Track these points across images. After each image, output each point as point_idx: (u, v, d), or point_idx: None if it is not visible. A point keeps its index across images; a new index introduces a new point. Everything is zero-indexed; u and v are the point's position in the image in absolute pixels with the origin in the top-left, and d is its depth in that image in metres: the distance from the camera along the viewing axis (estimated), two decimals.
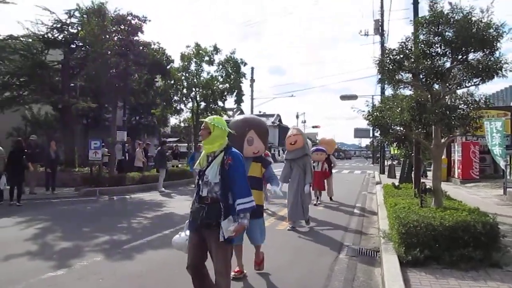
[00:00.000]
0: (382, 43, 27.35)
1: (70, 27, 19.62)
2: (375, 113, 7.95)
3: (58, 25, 19.56)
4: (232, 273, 5.32)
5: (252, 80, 34.91)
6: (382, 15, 28.30)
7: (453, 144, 21.68)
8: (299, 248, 7.24)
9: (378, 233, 7.78)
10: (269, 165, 5.85)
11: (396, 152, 16.21)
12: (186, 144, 27.62)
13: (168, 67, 17.73)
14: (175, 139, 35.18)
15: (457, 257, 5.48)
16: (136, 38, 16.15)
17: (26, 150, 13.07)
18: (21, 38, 17.36)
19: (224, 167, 3.77)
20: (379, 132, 8.63)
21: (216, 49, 22.60)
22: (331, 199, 13.69)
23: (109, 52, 14.90)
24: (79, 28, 18.42)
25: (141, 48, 15.99)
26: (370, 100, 22.55)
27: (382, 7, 27.76)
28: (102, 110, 26.51)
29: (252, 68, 35.28)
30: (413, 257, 5.55)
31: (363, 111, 8.07)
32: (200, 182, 3.88)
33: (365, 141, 56.27)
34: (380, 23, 28.70)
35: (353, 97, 31.68)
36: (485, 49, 6.58)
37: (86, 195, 14.36)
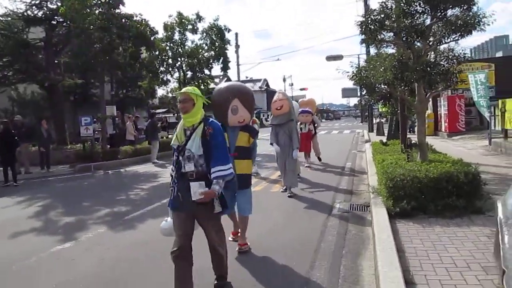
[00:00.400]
0: (365, 1, 27.21)
1: (49, 2, 19.33)
2: (359, 74, 8.17)
3: (37, 1, 19.29)
4: (230, 237, 5.55)
5: (237, 46, 34.66)
6: None
7: (439, 99, 22.02)
8: (293, 208, 7.55)
9: (368, 189, 8.11)
10: (256, 135, 5.76)
11: (383, 109, 16.47)
12: (175, 115, 27.70)
13: (152, 38, 17.61)
14: (164, 109, 35.14)
15: (442, 206, 5.82)
16: (117, 11, 16.01)
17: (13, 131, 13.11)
18: (0, 18, 17.07)
19: (205, 137, 3.67)
20: (365, 91, 8.87)
21: (199, 17, 22.39)
22: (319, 159, 13.73)
23: (92, 27, 14.75)
24: (59, 4, 18.16)
25: (123, 20, 15.85)
26: (355, 60, 22.69)
27: None
28: (88, 86, 26.42)
29: (236, 34, 34.91)
30: (401, 208, 5.87)
31: (348, 72, 8.27)
32: (180, 158, 3.73)
33: (354, 101, 56.62)
34: None
35: (339, 57, 31.71)
36: (462, 5, 6.74)
37: (81, 171, 14.58)
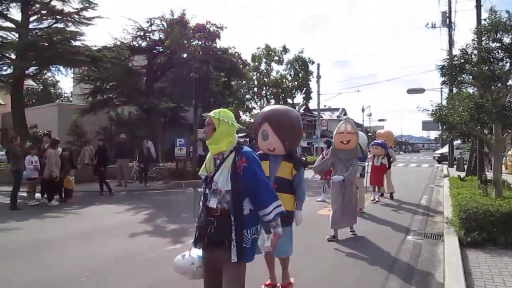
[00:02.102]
0: (450, 36, 27.19)
1: (151, 34, 21.70)
2: (439, 112, 8.79)
3: (141, 33, 21.72)
4: (262, 287, 4.92)
5: (318, 77, 35.47)
6: (449, 7, 28.03)
7: None
8: (366, 233, 8.22)
9: (443, 220, 8.62)
10: (301, 167, 4.83)
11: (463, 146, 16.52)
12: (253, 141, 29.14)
13: (243, 70, 19.20)
14: (242, 134, 36.80)
15: None
16: (214, 44, 17.75)
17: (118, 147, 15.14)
18: (113, 48, 19.44)
19: (236, 170, 3.13)
20: (444, 128, 9.43)
21: (285, 49, 23.83)
22: (391, 196, 12.82)
23: (193, 58, 16.52)
24: (161, 36, 20.36)
25: (219, 53, 17.55)
26: (437, 93, 22.59)
27: None
28: (178, 109, 28.62)
29: (318, 65, 35.66)
30: (472, 238, 6.43)
31: (428, 110, 8.91)
32: (207, 190, 3.26)
33: (434, 134, 55.19)
34: (447, 15, 28.44)
35: (421, 90, 31.56)
36: None
37: (173, 187, 16.12)
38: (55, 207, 11.44)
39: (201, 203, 3.31)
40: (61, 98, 47.71)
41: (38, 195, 12.20)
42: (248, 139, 19.20)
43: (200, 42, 17.23)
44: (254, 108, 24.92)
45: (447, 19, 28.10)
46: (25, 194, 12.01)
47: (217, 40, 17.56)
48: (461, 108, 7.99)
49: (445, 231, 7.34)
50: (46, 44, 16.20)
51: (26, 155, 11.50)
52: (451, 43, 26.55)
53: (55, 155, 11.70)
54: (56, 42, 16.24)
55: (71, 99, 44.69)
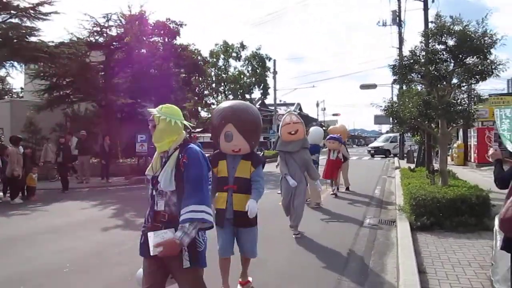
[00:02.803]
0: (400, 34, 28.48)
1: (108, 30, 21.53)
2: (390, 108, 9.52)
3: (98, 29, 21.49)
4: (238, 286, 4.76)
5: (275, 72, 36.30)
6: (399, 6, 29.24)
7: (470, 130, 22.81)
8: (325, 223, 8.85)
9: (395, 208, 9.35)
10: (259, 165, 4.57)
11: (414, 139, 17.57)
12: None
13: (203, 66, 19.52)
14: (199, 129, 37.10)
15: (456, 223, 7.05)
16: (174, 41, 17.97)
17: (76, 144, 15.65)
18: (70, 44, 19.20)
19: (180, 168, 2.91)
20: (395, 122, 10.20)
21: (243, 46, 24.33)
22: (347, 189, 13.27)
23: (153, 55, 16.68)
24: (119, 31, 20.28)
25: (180, 50, 17.78)
26: (387, 92, 23.63)
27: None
28: (136, 105, 28.50)
29: (274, 61, 36.36)
30: (421, 223, 7.14)
31: (381, 106, 9.62)
32: (154, 192, 3.03)
33: (385, 127, 57.16)
34: (397, 14, 29.66)
35: (373, 86, 32.83)
36: (479, 55, 8.06)
37: (136, 183, 16.27)
38: (19, 205, 11.42)
39: (149, 207, 3.06)
40: (10, 94, 46.06)
41: (0, 193, 12.12)
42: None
43: (159, 39, 17.40)
44: (213, 103, 25.25)
45: (397, 18, 29.37)
46: None
47: (177, 37, 17.86)
48: (411, 104, 8.72)
49: (397, 217, 8.03)
50: (0, 40, 15.84)
51: None
52: (401, 40, 27.85)
53: (17, 153, 11.64)
54: (11, 38, 15.93)
55: (21, 95, 43.32)
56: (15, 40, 16.24)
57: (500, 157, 4.01)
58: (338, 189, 12.72)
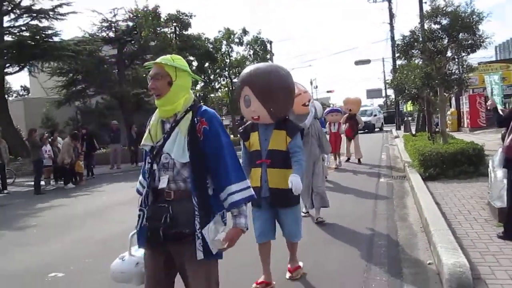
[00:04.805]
0: (390, 9, 29.78)
1: (116, 24, 22.76)
2: (395, 81, 11.07)
3: (106, 24, 22.72)
4: (253, 286, 3.98)
5: (272, 54, 37.69)
6: None
7: (461, 97, 24.30)
8: (347, 181, 10.45)
9: (403, 166, 10.93)
10: (296, 133, 3.92)
11: (410, 108, 18.96)
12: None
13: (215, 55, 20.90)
14: None
15: (458, 172, 8.64)
16: (187, 32, 19.34)
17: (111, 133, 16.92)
18: (87, 41, 20.46)
19: (195, 135, 2.35)
20: (395, 93, 11.78)
21: (245, 31, 25.58)
22: (359, 161, 13.32)
23: (168, 46, 18.04)
24: (129, 24, 21.53)
25: (193, 41, 19.17)
26: (380, 66, 24.85)
27: None
28: (142, 94, 29.78)
29: (271, 42, 38.02)
30: (429, 174, 8.71)
31: (387, 80, 11.16)
32: (154, 166, 2.42)
33: (378, 101, 58.47)
34: None
35: (367, 61, 34.40)
36: (469, 31, 9.60)
37: None
38: (73, 189, 12.87)
39: (145, 184, 2.46)
40: (13, 92, 47.05)
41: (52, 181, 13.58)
42: None
43: (171, 30, 18.72)
44: (220, 88, 26.62)
45: None
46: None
47: (189, 28, 19.17)
48: (413, 76, 10.27)
49: (408, 171, 9.63)
50: (30, 42, 17.11)
51: (42, 146, 12.80)
52: (391, 16, 29.23)
53: (68, 144, 13.07)
54: (39, 39, 17.19)
55: (22, 93, 44.46)
56: (41, 41, 17.43)
57: (496, 106, 5.53)
58: (349, 159, 13.55)
